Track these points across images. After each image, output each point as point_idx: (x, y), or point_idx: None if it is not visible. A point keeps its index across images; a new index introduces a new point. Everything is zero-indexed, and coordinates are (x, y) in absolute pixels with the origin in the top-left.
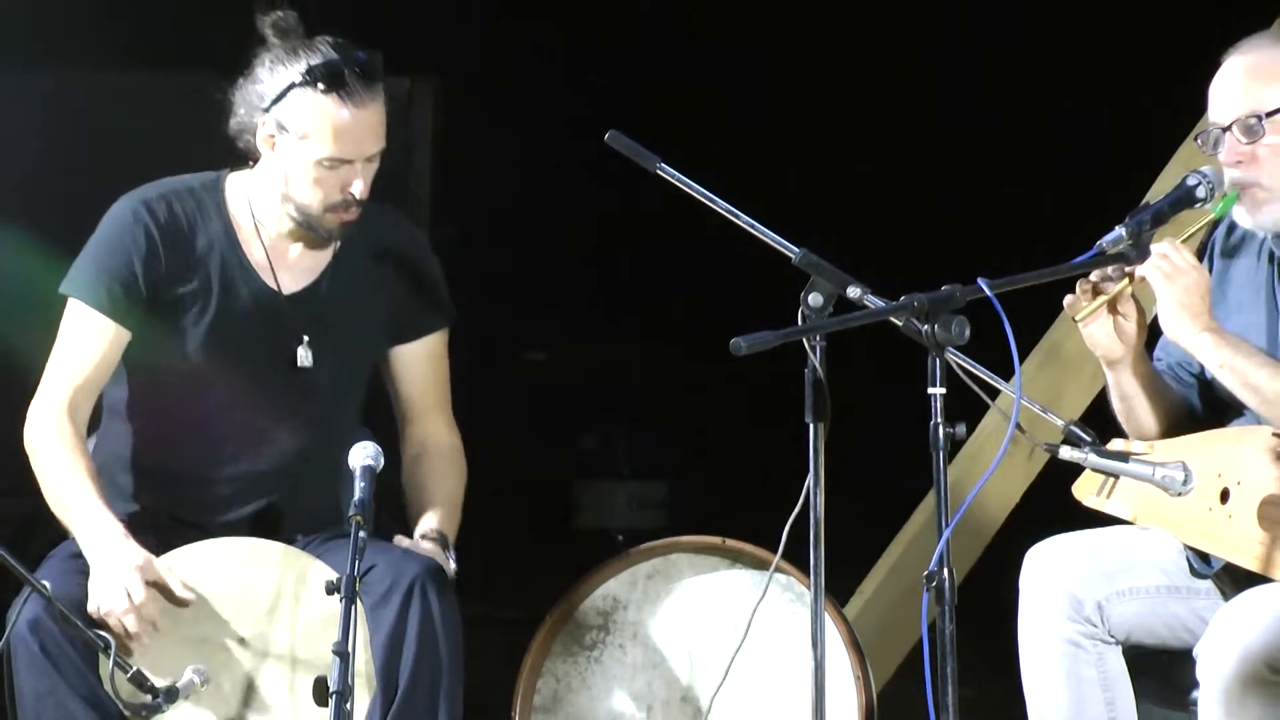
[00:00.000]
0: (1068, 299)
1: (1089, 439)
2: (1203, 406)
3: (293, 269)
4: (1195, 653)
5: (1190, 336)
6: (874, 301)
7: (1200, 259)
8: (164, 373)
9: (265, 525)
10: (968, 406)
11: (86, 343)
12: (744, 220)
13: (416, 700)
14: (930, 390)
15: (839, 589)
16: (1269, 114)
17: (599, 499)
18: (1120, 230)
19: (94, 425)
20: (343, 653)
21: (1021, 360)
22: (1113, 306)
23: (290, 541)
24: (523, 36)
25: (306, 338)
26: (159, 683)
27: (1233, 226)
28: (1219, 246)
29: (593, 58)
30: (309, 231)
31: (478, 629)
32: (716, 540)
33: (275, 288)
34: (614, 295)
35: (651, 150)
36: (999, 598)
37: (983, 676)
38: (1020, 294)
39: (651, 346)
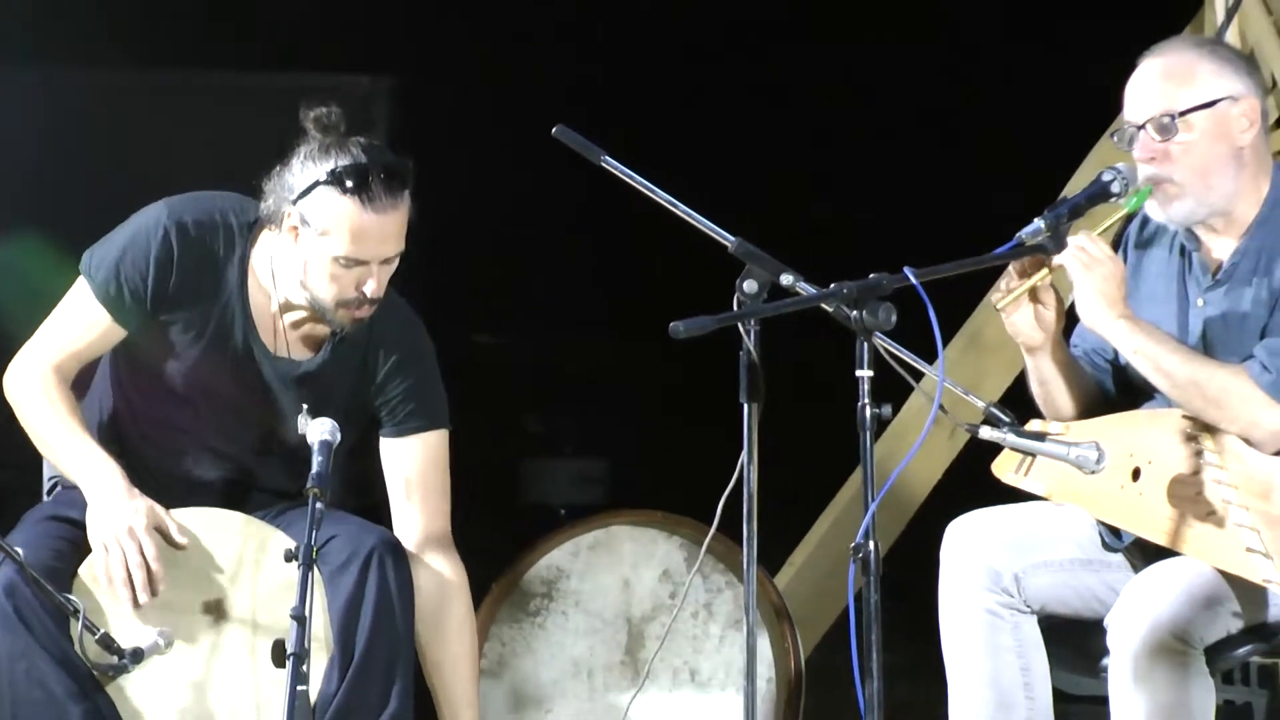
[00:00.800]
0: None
1: (1008, 420)
2: (1116, 390)
3: (292, 337)
4: (1106, 622)
5: (1106, 324)
6: (806, 289)
7: (1115, 251)
8: (146, 370)
9: (230, 500)
10: (894, 389)
11: (84, 324)
12: (682, 210)
13: (373, 663)
14: (858, 373)
15: (770, 560)
16: (1181, 113)
17: (544, 476)
18: (1039, 223)
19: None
20: (300, 617)
21: (944, 345)
22: (1033, 295)
23: (251, 513)
24: (477, 37)
25: (305, 406)
26: (125, 645)
27: (1146, 220)
28: (1133, 239)
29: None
30: (320, 320)
31: None
32: (655, 513)
33: (269, 347)
34: (561, 285)
35: (598, 144)
36: (922, 569)
37: (905, 643)
38: (944, 283)
39: (594, 333)
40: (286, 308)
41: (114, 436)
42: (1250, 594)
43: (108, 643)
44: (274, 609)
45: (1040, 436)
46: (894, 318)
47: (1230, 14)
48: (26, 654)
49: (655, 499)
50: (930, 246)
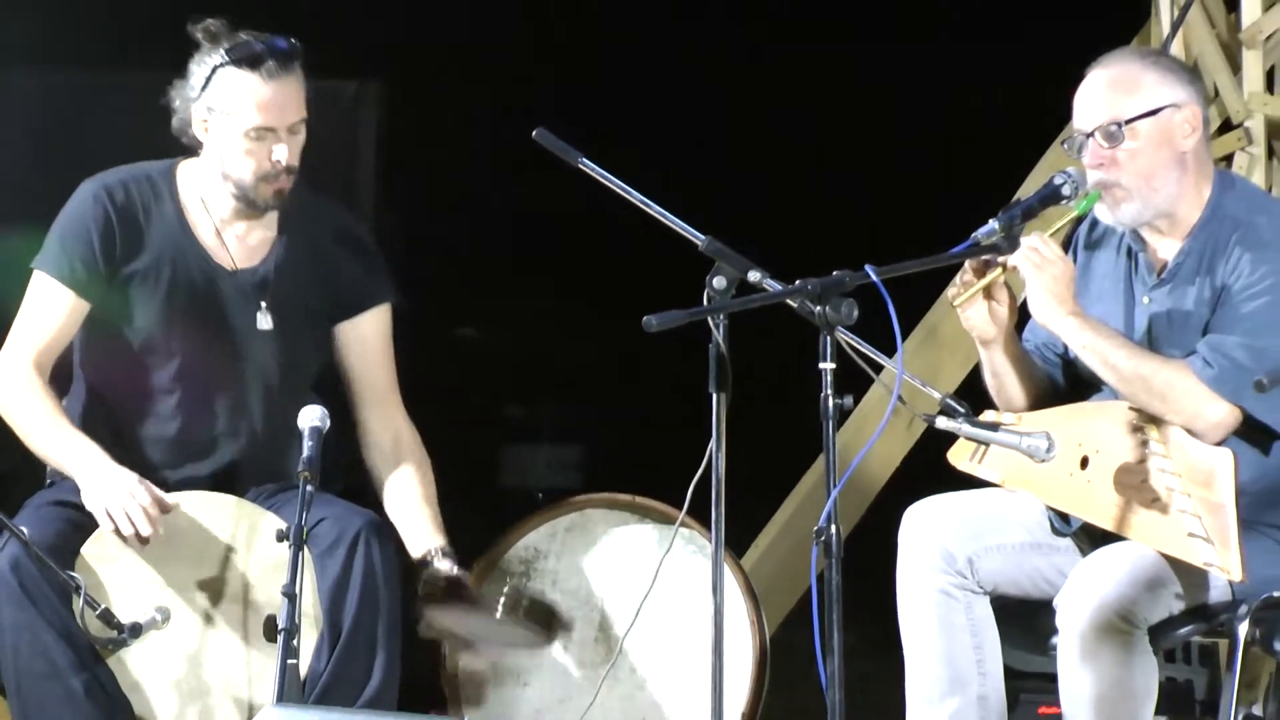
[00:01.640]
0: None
1: (963, 410)
2: (1066, 383)
3: (241, 248)
4: (1055, 603)
5: (1057, 320)
6: (772, 285)
7: (1065, 251)
8: (122, 342)
9: (222, 483)
10: (854, 380)
11: (49, 311)
12: (656, 210)
13: (359, 639)
14: (821, 365)
15: (737, 542)
16: (1128, 121)
17: (523, 462)
18: (994, 224)
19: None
20: (290, 594)
21: (903, 339)
22: (987, 293)
23: (244, 495)
24: (462, 42)
25: (264, 304)
26: (125, 620)
27: (1095, 222)
28: (1082, 240)
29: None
30: (248, 206)
31: (414, 576)
32: (628, 498)
33: (225, 265)
34: (542, 280)
35: (577, 147)
36: (881, 552)
37: (865, 622)
38: (902, 280)
39: (572, 326)
40: (226, 221)
41: (99, 433)
42: (1192, 577)
43: (108, 618)
44: (265, 586)
45: (994, 426)
46: (855, 313)
47: (1175, 26)
48: (31, 627)
49: (629, 484)
50: (891, 245)
